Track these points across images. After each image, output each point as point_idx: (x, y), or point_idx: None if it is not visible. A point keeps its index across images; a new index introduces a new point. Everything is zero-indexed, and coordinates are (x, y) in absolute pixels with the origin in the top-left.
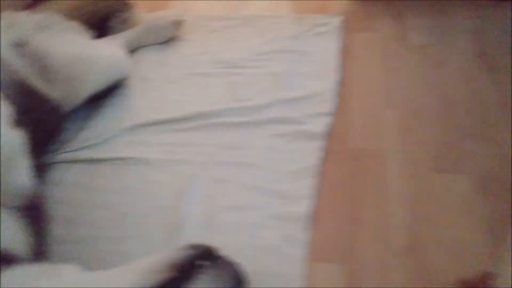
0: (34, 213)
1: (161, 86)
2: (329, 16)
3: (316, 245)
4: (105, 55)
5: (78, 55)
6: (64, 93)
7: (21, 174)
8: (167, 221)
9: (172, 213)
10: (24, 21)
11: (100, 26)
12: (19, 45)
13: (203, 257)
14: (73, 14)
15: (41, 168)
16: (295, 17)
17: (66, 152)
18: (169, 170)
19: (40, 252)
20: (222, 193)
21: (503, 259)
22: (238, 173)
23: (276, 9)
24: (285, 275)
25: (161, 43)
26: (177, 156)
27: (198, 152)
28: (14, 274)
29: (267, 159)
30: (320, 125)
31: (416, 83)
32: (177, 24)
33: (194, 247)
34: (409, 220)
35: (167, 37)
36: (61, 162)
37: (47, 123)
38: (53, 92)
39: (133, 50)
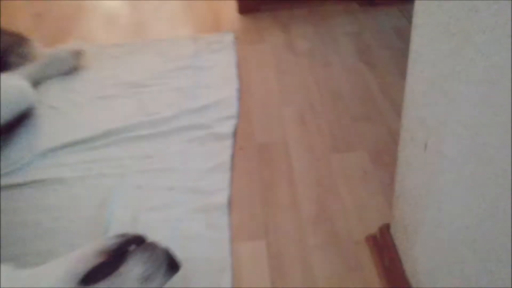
0: None
1: (69, 111)
2: (223, 33)
3: (237, 228)
4: (9, 86)
5: None
6: None
7: None
8: (92, 228)
9: (96, 221)
10: None
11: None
12: None
13: (133, 243)
14: None
15: None
16: (191, 37)
17: None
18: (87, 185)
19: None
20: (143, 197)
21: (393, 213)
22: (156, 178)
23: (172, 31)
24: (213, 258)
25: (64, 74)
26: (94, 171)
27: (114, 165)
28: None
29: (181, 162)
30: (227, 127)
31: (307, 82)
32: (77, 53)
33: (123, 234)
34: (316, 194)
35: (69, 67)
36: None
37: None
38: None
39: (37, 82)
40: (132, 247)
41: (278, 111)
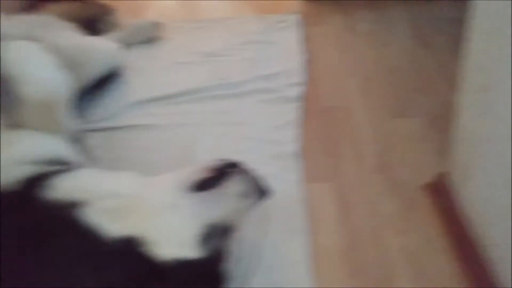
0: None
1: (152, 73)
2: (288, 14)
3: (307, 172)
4: (101, 46)
5: (81, 46)
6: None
7: (68, 114)
8: (181, 165)
9: (185, 159)
10: (32, 21)
11: (89, 29)
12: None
13: (231, 167)
14: (66, 17)
15: None
16: (257, 17)
17: (86, 124)
18: (174, 132)
19: None
20: (224, 144)
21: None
22: (233, 130)
23: (238, 12)
24: (288, 194)
25: (145, 43)
26: (179, 121)
27: (196, 117)
28: (86, 172)
29: (255, 119)
30: (294, 91)
31: (367, 59)
32: (157, 25)
33: (223, 159)
34: (377, 150)
35: (150, 37)
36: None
37: None
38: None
39: (122, 48)
40: (232, 170)
41: (342, 81)
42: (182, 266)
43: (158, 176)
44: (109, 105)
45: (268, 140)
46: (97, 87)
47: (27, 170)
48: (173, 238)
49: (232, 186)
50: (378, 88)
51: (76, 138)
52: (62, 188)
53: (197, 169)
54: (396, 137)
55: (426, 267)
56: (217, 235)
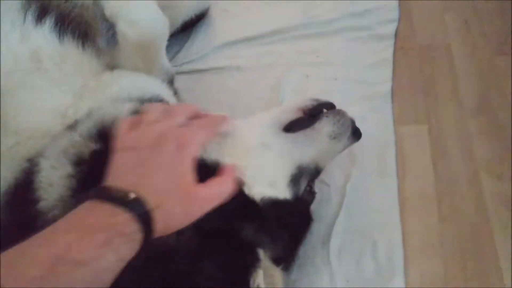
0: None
1: (239, 13)
2: None
3: (399, 114)
4: None
5: None
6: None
7: (165, 54)
8: (268, 107)
9: (270, 102)
10: None
11: None
12: None
13: (325, 107)
14: None
15: None
16: None
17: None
18: (260, 73)
19: None
20: (311, 84)
21: None
22: (322, 70)
23: None
24: (377, 137)
25: None
26: (265, 62)
27: (283, 58)
28: None
29: (346, 58)
30: (388, 29)
31: None
32: None
33: (317, 99)
34: (478, 89)
35: None
36: None
37: None
38: None
39: None
40: (324, 110)
41: (440, 16)
42: (274, 206)
43: (250, 117)
44: (195, 47)
45: (357, 80)
46: (184, 29)
47: (132, 107)
48: (265, 178)
49: (325, 127)
50: (481, 24)
51: (171, 80)
52: None
53: (290, 108)
54: (500, 75)
55: None
56: (307, 175)
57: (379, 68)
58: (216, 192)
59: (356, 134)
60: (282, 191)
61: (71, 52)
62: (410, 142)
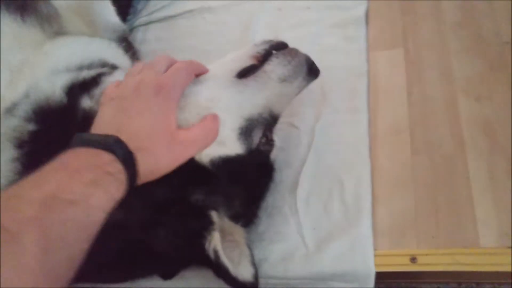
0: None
1: None
2: None
3: (374, 39)
4: None
5: None
6: None
7: (110, 11)
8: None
9: (242, 42)
10: None
11: None
12: None
13: (276, 48)
14: None
15: None
16: None
17: (141, 17)
18: (232, 12)
19: None
20: (283, 18)
21: None
22: (293, 0)
23: None
24: (350, 66)
25: None
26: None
27: None
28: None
29: None
30: None
31: None
32: None
33: (269, 40)
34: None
35: None
36: (138, 26)
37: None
38: None
39: None
40: (275, 52)
41: None
42: (225, 164)
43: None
44: None
45: (330, 7)
46: None
47: (68, 78)
48: None
49: (274, 70)
50: None
51: (122, 37)
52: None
53: (241, 57)
54: None
55: (503, 140)
56: (261, 125)
57: None
58: (199, 134)
59: (312, 72)
60: (232, 147)
61: (6, 27)
62: (384, 69)
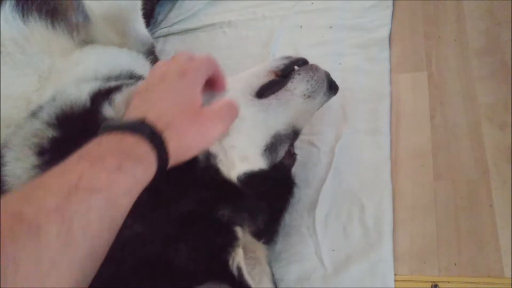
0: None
1: None
2: None
3: (397, 61)
4: None
5: None
6: None
7: (141, 24)
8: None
9: (262, 58)
10: None
11: None
12: None
13: (297, 64)
14: None
15: None
16: None
17: (162, 28)
18: (253, 27)
19: None
20: (304, 36)
21: None
22: (316, 18)
23: None
24: (372, 87)
25: None
26: (258, 15)
27: (276, 8)
28: None
29: (341, 2)
30: None
31: None
32: None
33: (288, 56)
34: (486, 27)
35: None
36: (158, 37)
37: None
38: None
39: None
40: (296, 68)
41: None
42: (250, 179)
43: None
44: (187, 4)
45: (353, 27)
46: None
47: (95, 87)
48: (240, 154)
49: (298, 86)
50: None
51: (149, 50)
52: (119, 103)
53: (261, 72)
54: (509, 13)
55: None
56: (286, 141)
57: (378, 10)
58: (224, 108)
59: (332, 88)
60: (256, 162)
61: (37, 32)
62: (407, 92)
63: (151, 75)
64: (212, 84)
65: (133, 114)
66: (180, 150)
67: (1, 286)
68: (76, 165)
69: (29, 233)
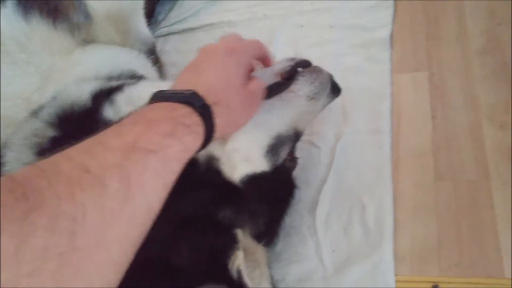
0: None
1: None
2: None
3: (398, 61)
4: None
5: None
6: None
7: (143, 23)
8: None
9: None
10: None
11: None
12: None
13: (300, 66)
14: None
15: None
16: None
17: (162, 28)
18: (253, 26)
19: None
20: (305, 35)
21: None
22: (316, 18)
23: None
24: (372, 87)
25: None
26: (258, 14)
27: (276, 7)
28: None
29: (342, 1)
30: None
31: None
32: None
33: (292, 58)
34: (487, 27)
35: None
36: (158, 36)
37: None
38: None
39: None
40: (300, 69)
41: None
42: (252, 181)
43: None
44: (188, 3)
45: (353, 27)
46: None
47: (96, 86)
48: (243, 155)
49: (302, 88)
50: None
51: (150, 49)
52: (120, 103)
53: (266, 75)
54: (510, 14)
55: None
56: (288, 143)
57: (378, 10)
58: (259, 84)
59: (335, 90)
60: (258, 164)
61: (38, 31)
62: (407, 92)
63: (201, 52)
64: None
65: (182, 85)
66: (226, 125)
67: (73, 231)
68: (132, 127)
69: (95, 184)
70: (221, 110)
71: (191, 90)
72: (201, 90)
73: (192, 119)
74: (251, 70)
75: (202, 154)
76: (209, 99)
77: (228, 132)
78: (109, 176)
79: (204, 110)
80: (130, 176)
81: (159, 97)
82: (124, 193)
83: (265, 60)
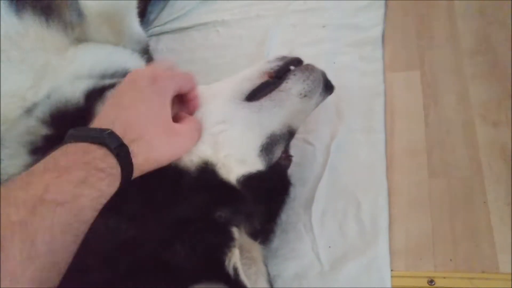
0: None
1: None
2: None
3: (390, 60)
4: None
5: None
6: None
7: (136, 22)
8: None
9: (257, 57)
10: None
11: None
12: None
13: (292, 64)
14: None
15: None
16: None
17: (154, 27)
18: (246, 26)
19: None
20: (298, 34)
21: None
22: (309, 17)
23: None
24: (366, 86)
25: None
26: (251, 14)
27: (270, 7)
28: None
29: (335, 1)
30: None
31: None
32: None
33: (283, 57)
34: (477, 26)
35: None
36: (151, 36)
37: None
38: None
39: None
40: (292, 68)
41: None
42: (248, 181)
43: (213, 84)
44: (180, 3)
45: (346, 26)
46: None
47: (89, 84)
48: (237, 156)
49: (294, 86)
50: None
51: (144, 49)
52: None
53: (254, 74)
54: (500, 13)
55: None
56: (282, 141)
57: (370, 10)
58: (194, 127)
59: (328, 87)
60: (253, 164)
61: (31, 29)
62: (400, 90)
63: (126, 79)
64: (185, 103)
65: (103, 121)
66: (146, 163)
67: None
68: (41, 176)
69: None
70: (141, 148)
71: (107, 129)
72: (119, 127)
73: (107, 161)
74: (191, 112)
75: (194, 161)
76: (128, 136)
77: (150, 168)
78: (10, 236)
79: (120, 151)
80: (35, 233)
81: (75, 136)
82: (28, 253)
83: (190, 95)
